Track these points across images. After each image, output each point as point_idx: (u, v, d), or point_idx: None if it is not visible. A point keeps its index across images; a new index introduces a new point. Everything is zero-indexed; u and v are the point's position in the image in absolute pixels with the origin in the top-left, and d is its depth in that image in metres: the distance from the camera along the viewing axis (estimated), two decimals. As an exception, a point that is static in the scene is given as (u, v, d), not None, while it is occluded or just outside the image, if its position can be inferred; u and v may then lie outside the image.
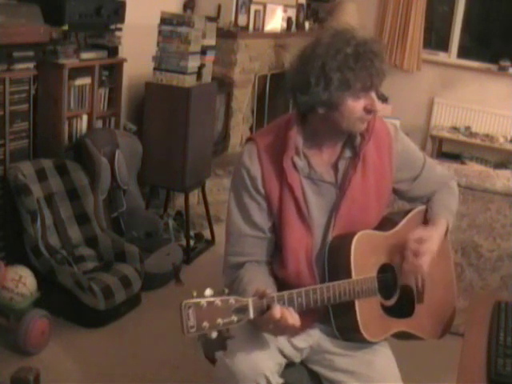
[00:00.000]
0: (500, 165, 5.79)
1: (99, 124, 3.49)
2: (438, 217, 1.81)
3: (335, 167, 1.69)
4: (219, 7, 4.48)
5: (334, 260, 1.64)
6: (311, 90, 1.56)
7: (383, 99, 5.74)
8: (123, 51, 3.55)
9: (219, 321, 1.32)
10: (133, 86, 3.90)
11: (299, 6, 5.62)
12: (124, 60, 3.53)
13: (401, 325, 1.71)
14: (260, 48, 4.88)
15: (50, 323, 2.66)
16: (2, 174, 2.89)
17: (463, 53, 6.25)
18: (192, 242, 3.75)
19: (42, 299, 2.70)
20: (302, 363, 1.75)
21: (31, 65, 2.94)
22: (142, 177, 3.66)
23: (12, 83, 2.84)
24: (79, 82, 3.26)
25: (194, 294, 1.32)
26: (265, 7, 4.91)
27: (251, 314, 1.38)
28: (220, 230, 3.88)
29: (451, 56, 6.27)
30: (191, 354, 2.66)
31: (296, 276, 1.66)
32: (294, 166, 1.65)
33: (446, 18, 6.36)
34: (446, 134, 6.04)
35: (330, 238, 1.67)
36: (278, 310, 1.40)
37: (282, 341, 1.63)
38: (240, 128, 4.87)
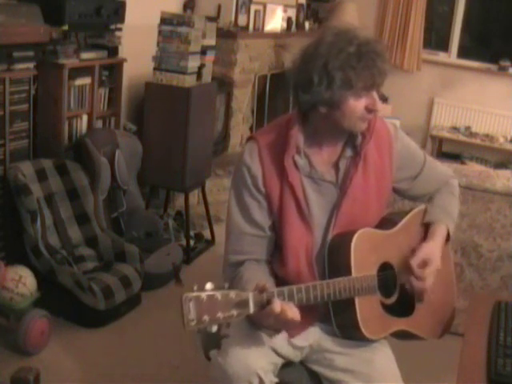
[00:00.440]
0: (500, 165, 5.79)
1: (99, 124, 3.49)
2: (439, 223, 1.81)
3: (336, 166, 1.70)
4: (219, 7, 4.48)
5: (335, 257, 1.65)
6: (313, 88, 1.56)
7: (383, 99, 5.74)
8: (123, 51, 3.55)
9: (219, 315, 1.33)
10: (133, 86, 3.90)
11: (299, 6, 5.62)
12: (124, 60, 3.53)
13: (400, 324, 1.71)
14: (260, 48, 4.88)
15: (49, 323, 2.66)
16: (2, 173, 2.89)
17: (463, 53, 6.25)
18: (192, 242, 3.75)
19: (42, 299, 2.70)
20: (302, 363, 1.75)
21: (31, 65, 2.93)
22: (142, 177, 3.66)
23: (12, 83, 2.84)
24: (79, 82, 3.26)
25: (195, 287, 1.33)
26: (265, 7, 4.91)
27: (251, 309, 1.38)
28: (220, 230, 3.88)
29: (451, 56, 6.27)
30: (191, 354, 2.66)
31: (296, 274, 1.66)
32: (295, 164, 1.65)
33: (446, 18, 6.36)
34: (446, 134, 6.04)
35: (330, 236, 1.68)
36: (278, 305, 1.40)
37: (280, 341, 1.63)
38: (240, 128, 4.87)
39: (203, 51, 3.58)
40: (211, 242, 3.90)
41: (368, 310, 1.62)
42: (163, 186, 3.82)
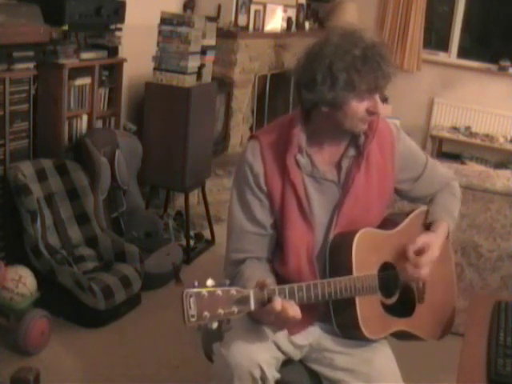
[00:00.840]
0: (500, 165, 5.79)
1: (99, 124, 3.49)
2: (440, 220, 1.81)
3: (338, 166, 1.70)
4: (219, 7, 4.48)
5: (336, 256, 1.65)
6: (317, 87, 1.57)
7: (383, 99, 5.74)
8: (123, 51, 3.55)
9: (220, 311, 1.33)
10: (133, 86, 3.90)
11: (299, 6, 5.61)
12: (124, 60, 3.53)
13: (401, 324, 1.71)
14: (260, 48, 4.88)
15: (49, 323, 2.66)
16: (2, 173, 2.89)
17: (463, 53, 6.25)
18: (192, 242, 3.75)
19: (41, 299, 2.70)
20: (302, 362, 1.75)
21: (31, 65, 2.94)
22: (142, 177, 3.66)
23: (12, 83, 2.84)
24: (79, 81, 3.26)
25: (196, 283, 1.33)
26: (265, 7, 4.91)
27: (252, 306, 1.39)
28: (220, 230, 3.88)
29: (451, 56, 6.27)
30: (191, 354, 2.66)
31: (297, 273, 1.67)
32: (297, 163, 1.66)
33: (446, 18, 6.37)
34: (445, 134, 6.04)
35: (331, 236, 1.68)
36: (278, 302, 1.41)
37: (281, 337, 1.64)
38: (240, 128, 4.87)
39: (203, 51, 3.58)
40: (211, 241, 3.90)
41: (368, 309, 1.62)
42: (163, 186, 3.82)
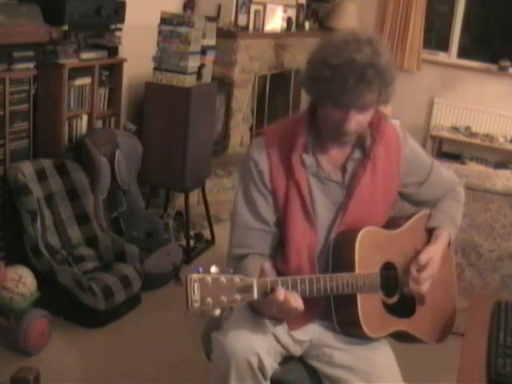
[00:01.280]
0: (500, 165, 5.78)
1: (99, 124, 3.49)
2: (441, 228, 1.82)
3: (343, 168, 1.71)
4: (219, 7, 4.48)
5: (339, 253, 1.66)
6: (313, 79, 1.58)
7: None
8: (123, 51, 3.55)
9: (223, 298, 1.33)
10: (133, 86, 3.90)
11: (299, 6, 5.61)
12: (124, 60, 3.53)
13: (401, 324, 1.72)
14: (260, 48, 4.88)
15: (49, 323, 2.66)
16: (2, 173, 2.89)
17: (463, 53, 6.24)
18: (192, 242, 3.75)
19: (42, 299, 2.70)
20: (301, 360, 1.75)
21: (31, 65, 2.94)
22: (142, 177, 3.66)
23: (12, 83, 2.84)
24: (79, 81, 3.26)
25: (201, 269, 1.33)
26: (265, 7, 4.90)
27: (255, 295, 1.39)
28: (220, 230, 3.88)
29: (451, 56, 6.27)
30: (191, 354, 2.66)
31: (297, 271, 1.67)
32: (302, 163, 1.67)
33: (446, 18, 6.36)
34: (446, 134, 6.04)
35: (333, 236, 1.69)
36: (281, 293, 1.42)
37: (281, 331, 1.64)
38: (240, 128, 4.87)
39: (203, 51, 3.58)
40: (211, 241, 3.90)
41: (369, 307, 1.63)
42: (163, 186, 3.81)
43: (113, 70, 3.53)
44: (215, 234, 3.91)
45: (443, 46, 6.33)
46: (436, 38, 6.58)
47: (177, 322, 2.97)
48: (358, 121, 1.58)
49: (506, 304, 1.71)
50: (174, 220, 3.81)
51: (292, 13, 5.43)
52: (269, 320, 1.58)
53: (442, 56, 6.31)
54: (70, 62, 3.13)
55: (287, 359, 1.71)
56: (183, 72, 3.45)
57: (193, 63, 3.49)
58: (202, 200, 3.91)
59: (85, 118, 3.35)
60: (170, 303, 3.13)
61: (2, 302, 2.60)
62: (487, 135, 5.99)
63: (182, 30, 3.40)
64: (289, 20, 5.33)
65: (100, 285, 2.83)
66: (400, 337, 1.75)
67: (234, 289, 1.35)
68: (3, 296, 2.59)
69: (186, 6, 4.43)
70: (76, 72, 3.22)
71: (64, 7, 2.98)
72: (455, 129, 6.12)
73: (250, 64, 4.76)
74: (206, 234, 3.92)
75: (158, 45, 3.48)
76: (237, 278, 1.36)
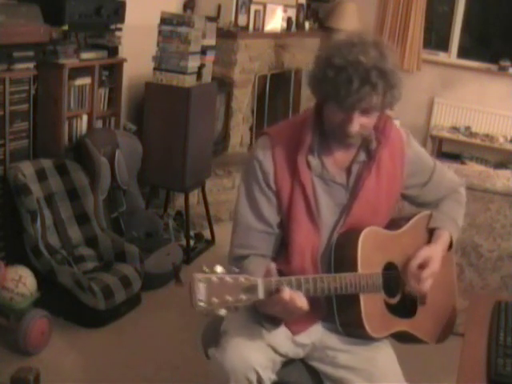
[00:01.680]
0: (500, 165, 5.78)
1: (99, 124, 3.49)
2: (442, 229, 1.82)
3: (348, 171, 1.71)
4: (219, 7, 4.48)
5: (341, 252, 1.66)
6: (318, 80, 1.59)
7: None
8: (123, 51, 3.55)
9: (228, 298, 1.33)
10: (133, 86, 3.90)
11: (299, 6, 5.61)
12: (124, 60, 3.53)
13: (403, 324, 1.72)
14: (260, 48, 4.88)
15: (50, 323, 2.66)
16: (2, 173, 2.89)
17: (463, 53, 6.24)
18: (192, 242, 3.75)
19: (42, 299, 2.70)
20: (303, 361, 1.75)
21: (31, 65, 2.94)
22: (142, 177, 3.66)
23: (12, 83, 2.84)
24: (79, 81, 3.26)
25: (206, 269, 1.33)
26: (265, 7, 4.90)
27: (260, 294, 1.39)
28: (220, 230, 3.88)
29: (451, 56, 6.27)
30: (191, 354, 2.66)
31: (300, 273, 1.66)
32: (308, 164, 1.66)
33: (446, 18, 6.36)
34: (446, 134, 6.04)
35: (335, 237, 1.69)
36: (287, 293, 1.42)
37: (280, 339, 1.64)
38: (240, 128, 4.87)
39: (203, 51, 3.58)
40: (211, 242, 3.90)
41: (372, 307, 1.63)
42: (163, 186, 3.81)
43: (113, 70, 3.53)
44: (215, 234, 3.91)
45: (443, 46, 6.32)
46: (436, 38, 6.58)
47: (177, 322, 2.97)
48: (361, 123, 1.58)
49: (506, 304, 1.71)
50: (174, 220, 3.80)
51: (292, 13, 5.43)
52: (266, 324, 1.57)
53: (441, 56, 6.31)
54: (70, 61, 3.13)
55: (288, 361, 1.71)
56: (183, 72, 3.45)
57: (193, 63, 3.49)
58: (201, 200, 3.91)
59: (85, 117, 3.35)
60: (170, 303, 3.13)
61: (2, 302, 2.60)
62: (487, 135, 5.98)
63: (182, 30, 3.40)
64: (289, 20, 5.33)
65: (100, 285, 2.83)
66: (401, 337, 1.75)
67: (240, 288, 1.35)
68: (3, 296, 2.59)
69: (186, 6, 4.43)
70: (76, 72, 3.22)
71: (64, 7, 2.98)
72: (455, 129, 6.11)
73: (250, 64, 4.76)
74: (206, 234, 3.92)
75: (157, 45, 3.48)
76: (242, 278, 1.36)
